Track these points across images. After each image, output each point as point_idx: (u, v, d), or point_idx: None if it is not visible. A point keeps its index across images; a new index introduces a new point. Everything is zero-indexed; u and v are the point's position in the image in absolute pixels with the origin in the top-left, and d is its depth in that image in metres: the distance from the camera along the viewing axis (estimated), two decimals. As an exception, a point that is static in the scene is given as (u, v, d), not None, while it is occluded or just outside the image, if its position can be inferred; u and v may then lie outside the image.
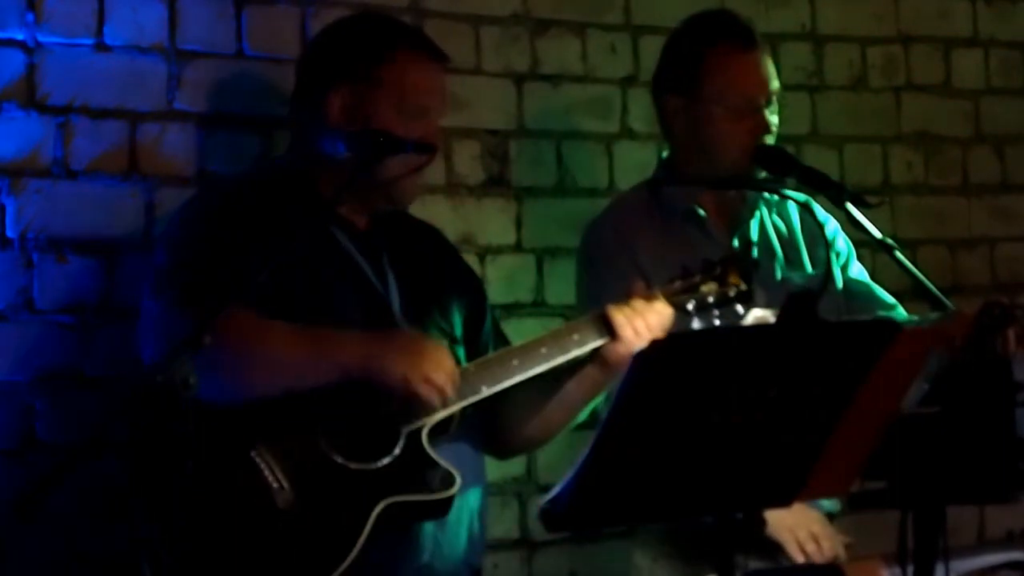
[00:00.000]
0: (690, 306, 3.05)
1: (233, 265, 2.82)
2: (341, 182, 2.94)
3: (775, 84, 3.52)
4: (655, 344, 2.41)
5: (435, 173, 3.72)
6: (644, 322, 3.00)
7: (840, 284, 3.61)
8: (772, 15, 4.27)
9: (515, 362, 2.97)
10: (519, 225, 3.91)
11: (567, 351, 2.99)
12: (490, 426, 3.12)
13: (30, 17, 3.30)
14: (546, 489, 2.55)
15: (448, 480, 2.89)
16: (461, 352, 3.10)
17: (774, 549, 3.33)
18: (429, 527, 2.95)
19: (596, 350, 3.02)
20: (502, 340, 3.22)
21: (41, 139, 3.31)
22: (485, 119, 3.89)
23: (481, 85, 3.89)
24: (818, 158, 4.19)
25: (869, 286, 3.64)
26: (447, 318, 3.12)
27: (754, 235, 3.58)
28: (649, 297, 3.03)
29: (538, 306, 3.90)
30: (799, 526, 3.28)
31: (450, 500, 2.90)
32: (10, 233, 3.27)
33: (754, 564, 3.27)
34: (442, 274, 3.19)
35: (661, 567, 3.46)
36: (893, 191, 4.44)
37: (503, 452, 3.26)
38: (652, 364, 2.37)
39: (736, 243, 3.55)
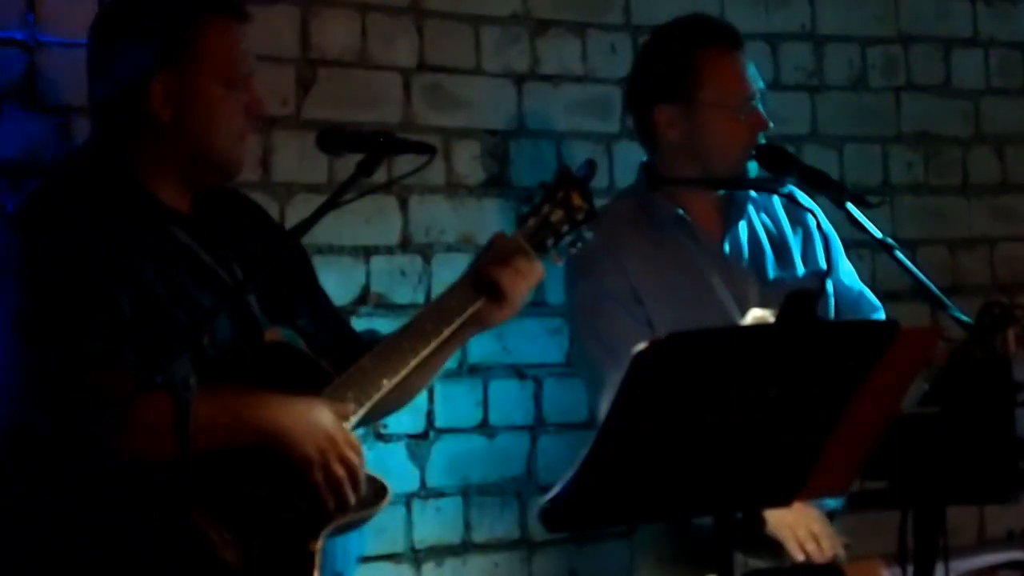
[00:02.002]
0: (549, 242, 3.04)
1: (102, 300, 2.70)
2: (169, 171, 2.87)
3: (760, 85, 3.55)
4: (655, 344, 2.41)
5: (435, 173, 3.72)
6: (526, 283, 2.99)
7: (830, 285, 3.62)
8: (772, 15, 4.28)
9: (405, 344, 2.91)
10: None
11: (451, 321, 2.95)
12: None
13: (30, 17, 3.30)
14: (546, 489, 2.54)
15: (381, 491, 2.85)
16: (312, 326, 3.01)
17: (774, 547, 3.33)
18: (339, 537, 2.88)
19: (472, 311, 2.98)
20: (339, 318, 3.15)
21: (41, 139, 3.30)
22: (485, 119, 3.89)
23: (481, 85, 3.89)
24: (818, 158, 4.19)
25: (852, 290, 3.65)
26: (300, 312, 3.03)
27: (743, 237, 3.59)
28: (520, 249, 3.00)
29: (538, 306, 3.90)
30: (799, 524, 3.28)
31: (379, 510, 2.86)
32: (10, 233, 3.26)
33: (753, 563, 3.28)
34: (276, 254, 3.03)
35: (664, 569, 3.46)
36: (893, 191, 4.44)
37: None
38: (652, 364, 2.37)
39: (727, 247, 3.55)
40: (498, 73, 3.92)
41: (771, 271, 3.56)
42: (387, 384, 2.89)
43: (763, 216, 3.63)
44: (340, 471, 2.77)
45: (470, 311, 2.98)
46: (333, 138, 3.01)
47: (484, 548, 3.83)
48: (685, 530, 3.37)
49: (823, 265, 3.60)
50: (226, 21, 2.94)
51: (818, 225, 3.59)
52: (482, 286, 2.99)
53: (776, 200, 3.64)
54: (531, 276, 3.01)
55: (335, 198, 2.87)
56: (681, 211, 3.52)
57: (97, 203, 2.83)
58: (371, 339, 3.04)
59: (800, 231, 3.64)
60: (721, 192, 3.58)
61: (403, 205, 3.76)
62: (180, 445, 2.37)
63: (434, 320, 2.95)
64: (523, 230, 3.04)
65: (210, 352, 2.82)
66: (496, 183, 3.89)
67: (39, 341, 2.69)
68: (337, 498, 2.77)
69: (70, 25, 3.33)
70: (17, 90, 3.28)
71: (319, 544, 2.77)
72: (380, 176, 3.06)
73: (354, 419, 2.85)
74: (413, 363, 2.91)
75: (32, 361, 2.69)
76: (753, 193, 3.60)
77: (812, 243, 3.63)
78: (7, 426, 2.71)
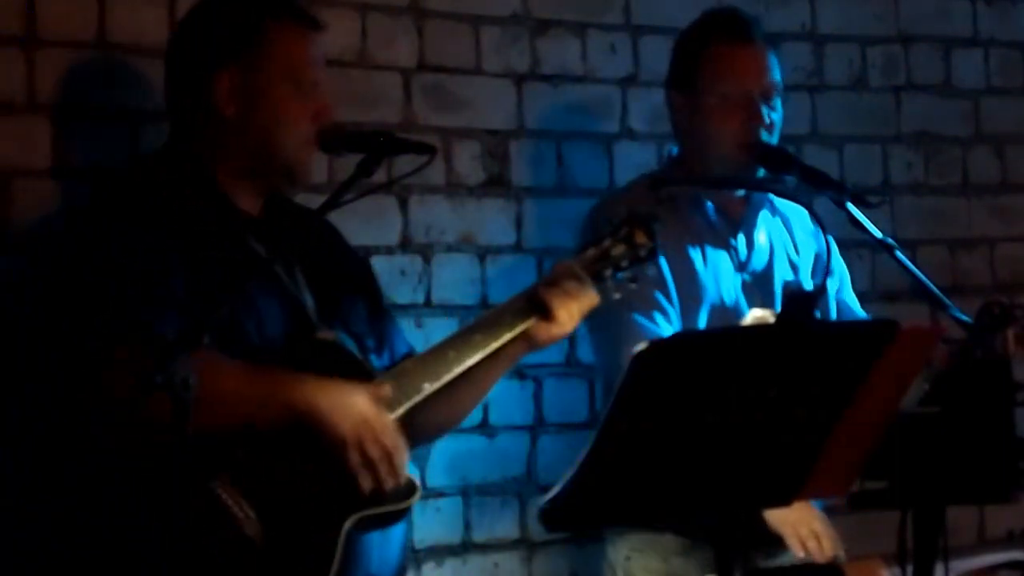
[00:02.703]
0: (607, 273, 3.06)
1: (152, 283, 2.75)
2: (239, 170, 2.93)
3: (774, 80, 3.53)
4: (655, 344, 2.41)
5: (435, 173, 3.72)
6: (577, 305, 3.01)
7: (833, 304, 3.62)
8: (772, 15, 4.27)
9: (451, 353, 2.94)
10: (519, 225, 3.91)
11: (500, 336, 2.97)
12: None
13: (30, 17, 3.30)
14: (546, 489, 2.54)
15: (411, 487, 2.87)
16: (373, 359, 3.04)
17: (774, 545, 3.34)
18: (375, 537, 2.89)
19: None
20: (400, 336, 3.18)
21: (41, 139, 3.30)
22: (485, 119, 3.89)
23: (481, 85, 3.89)
24: (818, 158, 4.19)
25: (855, 314, 3.66)
26: (357, 314, 3.07)
27: (758, 238, 3.59)
28: (573, 274, 3.03)
29: (538, 306, 3.90)
30: (801, 522, 3.28)
31: (411, 506, 2.87)
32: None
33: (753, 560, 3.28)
34: (343, 268, 3.13)
35: (634, 563, 3.47)
36: (893, 191, 4.44)
37: (411, 443, 3.13)
38: (652, 364, 2.37)
39: (742, 241, 3.55)
40: (498, 73, 3.92)
41: (779, 278, 3.57)
42: (428, 388, 2.91)
43: (779, 224, 3.64)
44: (375, 452, 2.78)
45: (520, 328, 3.00)
46: (333, 138, 3.01)
47: (484, 548, 3.82)
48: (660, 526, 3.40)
49: (829, 284, 3.61)
50: (298, 27, 3.00)
51: (828, 248, 3.62)
52: (534, 305, 3.01)
53: (793, 212, 3.64)
54: (582, 300, 3.03)
55: (335, 198, 2.87)
56: (702, 196, 3.53)
57: (163, 194, 2.90)
58: None
59: (812, 246, 3.65)
60: (740, 194, 3.59)
61: (403, 205, 3.76)
62: (179, 445, 2.38)
63: (483, 332, 2.98)
64: (580, 257, 3.07)
65: (255, 340, 2.85)
66: (496, 183, 3.89)
67: (75, 315, 2.74)
68: (372, 480, 2.78)
69: (70, 25, 3.33)
70: (17, 90, 3.28)
71: (345, 529, 2.77)
72: (380, 176, 3.07)
73: (395, 413, 2.86)
74: (456, 371, 2.93)
75: (64, 333, 2.75)
76: (771, 199, 3.61)
77: (821, 260, 3.62)
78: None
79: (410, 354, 3.13)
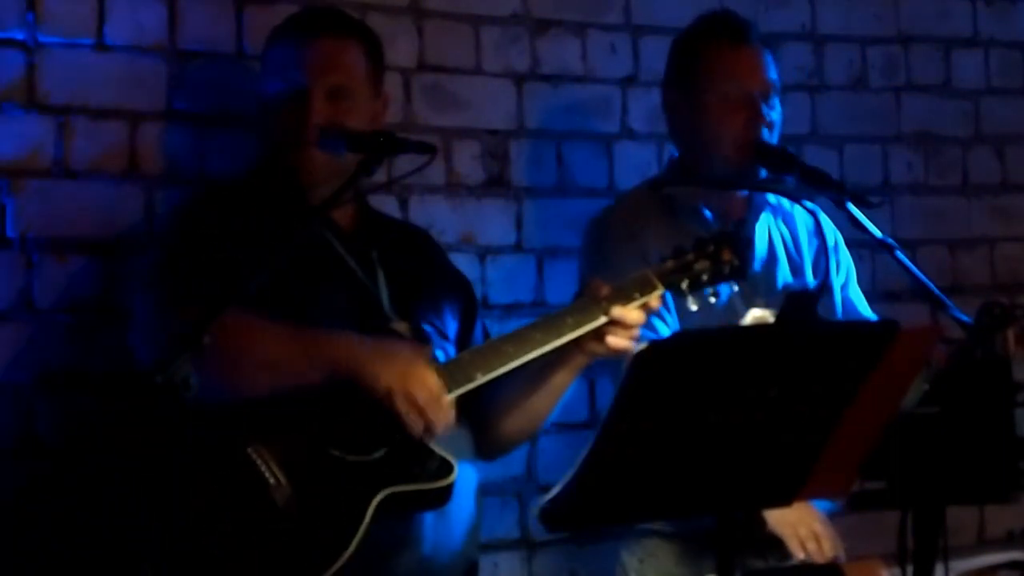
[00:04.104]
0: (684, 285, 3.04)
1: (222, 264, 2.82)
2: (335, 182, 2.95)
3: (771, 80, 3.54)
4: (655, 344, 2.41)
5: (435, 173, 3.72)
6: (639, 315, 2.99)
7: (838, 299, 3.62)
8: (772, 15, 4.28)
9: (509, 348, 2.94)
10: (519, 225, 3.91)
11: (561, 335, 2.96)
12: (478, 426, 3.10)
13: (30, 17, 3.30)
14: (546, 489, 2.54)
15: (445, 468, 2.88)
16: (452, 350, 3.09)
17: (774, 546, 3.34)
18: (429, 518, 2.93)
19: (588, 334, 2.99)
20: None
21: (41, 139, 3.30)
22: (485, 119, 3.89)
23: (481, 85, 3.89)
24: (818, 158, 4.18)
25: (860, 313, 3.66)
26: (438, 315, 3.11)
27: (760, 240, 3.59)
28: (646, 282, 3.01)
29: (538, 306, 3.90)
30: (801, 523, 3.28)
31: (449, 489, 2.88)
32: (10, 233, 3.26)
33: (752, 562, 3.28)
34: (432, 274, 3.18)
35: (648, 566, 3.47)
36: (893, 191, 4.44)
37: (491, 452, 3.22)
38: (652, 364, 2.37)
39: None
40: (498, 73, 3.92)
41: (780, 279, 3.57)
42: (480, 378, 2.90)
43: (781, 225, 3.64)
44: (422, 395, 2.81)
45: (584, 329, 2.97)
46: (333, 138, 3.01)
47: (484, 548, 3.82)
48: (674, 530, 3.39)
49: (833, 282, 3.61)
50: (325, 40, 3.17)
51: (835, 245, 3.62)
52: (597, 306, 2.98)
53: (796, 212, 3.65)
54: (651, 305, 3.02)
55: (335, 198, 2.87)
56: (700, 204, 3.53)
57: (259, 196, 3.05)
58: None
59: (815, 246, 3.65)
60: (743, 193, 3.59)
61: (403, 205, 3.76)
62: (177, 443, 2.39)
63: (543, 331, 2.96)
64: (657, 267, 3.05)
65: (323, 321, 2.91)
66: (496, 183, 3.89)
67: (152, 291, 2.90)
68: (423, 422, 2.81)
69: (70, 25, 3.34)
70: (17, 90, 3.28)
71: (375, 503, 2.79)
72: (380, 176, 3.07)
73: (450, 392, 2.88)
74: (511, 365, 2.93)
75: (142, 310, 2.92)
76: (772, 200, 3.61)
77: (824, 259, 3.63)
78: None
79: None
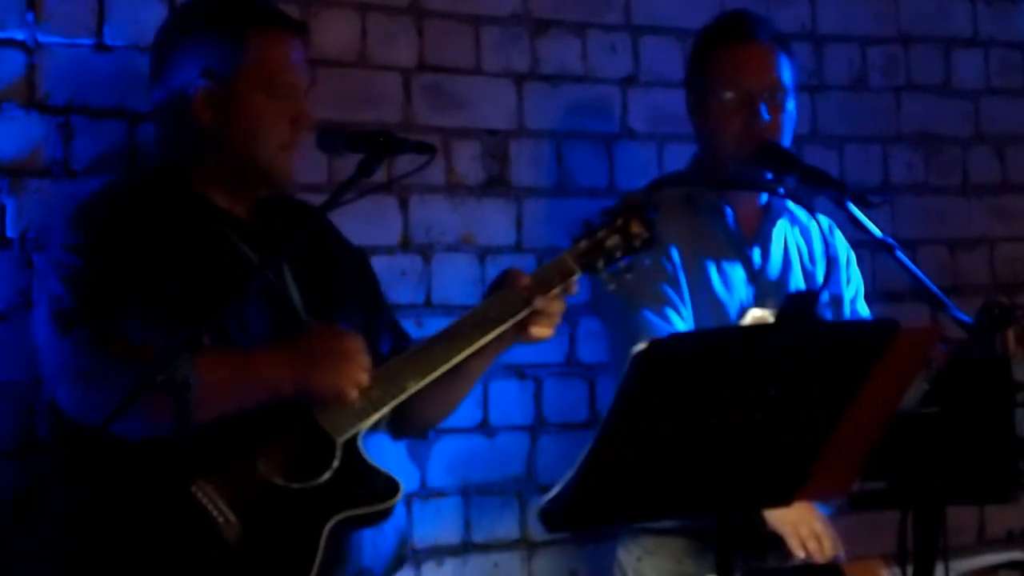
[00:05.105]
0: (600, 264, 3.02)
1: (137, 288, 2.78)
2: (220, 176, 2.94)
3: (777, 79, 3.53)
4: (655, 344, 2.41)
5: (435, 173, 3.72)
6: (561, 304, 2.99)
7: (848, 312, 3.62)
8: (772, 15, 4.26)
9: (437, 350, 2.93)
10: (519, 225, 3.91)
11: (488, 332, 2.95)
12: (397, 411, 3.03)
13: (30, 17, 3.30)
14: (546, 489, 2.54)
15: (392, 486, 2.86)
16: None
17: (774, 545, 3.34)
18: (367, 533, 2.91)
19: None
20: (397, 328, 3.20)
21: (41, 139, 3.30)
22: (485, 119, 3.89)
23: (481, 85, 3.89)
24: (818, 158, 4.19)
25: None
26: (348, 311, 3.07)
27: (776, 246, 3.59)
28: (565, 270, 3.00)
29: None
30: (802, 522, 3.28)
31: (394, 506, 2.87)
32: (10, 233, 3.26)
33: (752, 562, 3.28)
34: (334, 262, 3.13)
35: (645, 564, 3.47)
36: (893, 191, 4.44)
37: (407, 434, 3.22)
38: (652, 364, 2.37)
39: (758, 250, 3.55)
40: (498, 73, 3.92)
41: (794, 287, 3.57)
42: (412, 387, 2.90)
43: (798, 235, 3.65)
44: (363, 376, 2.83)
45: (509, 323, 2.97)
46: (333, 138, 3.01)
47: (484, 548, 3.82)
48: (671, 529, 3.39)
49: (844, 294, 3.61)
50: (275, 32, 3.01)
51: (847, 260, 3.63)
52: (521, 301, 2.98)
53: (811, 226, 3.65)
54: (570, 292, 3.01)
55: (335, 198, 2.87)
56: (723, 204, 3.54)
57: (146, 201, 2.92)
58: None
59: (826, 257, 3.65)
60: (761, 203, 3.59)
61: (403, 205, 3.76)
62: (179, 444, 2.38)
63: (470, 328, 2.96)
64: (572, 250, 3.03)
65: (241, 342, 2.86)
66: (496, 183, 3.89)
67: (73, 330, 2.77)
68: (356, 382, 2.82)
69: (70, 25, 3.34)
70: (17, 90, 3.28)
71: (327, 530, 2.78)
72: (380, 176, 3.07)
73: (374, 417, 2.87)
74: (442, 369, 2.93)
75: (64, 351, 2.79)
76: (791, 208, 3.61)
77: (836, 271, 3.62)
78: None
79: (407, 344, 3.14)
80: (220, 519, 2.73)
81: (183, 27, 3.04)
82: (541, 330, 2.99)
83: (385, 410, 2.89)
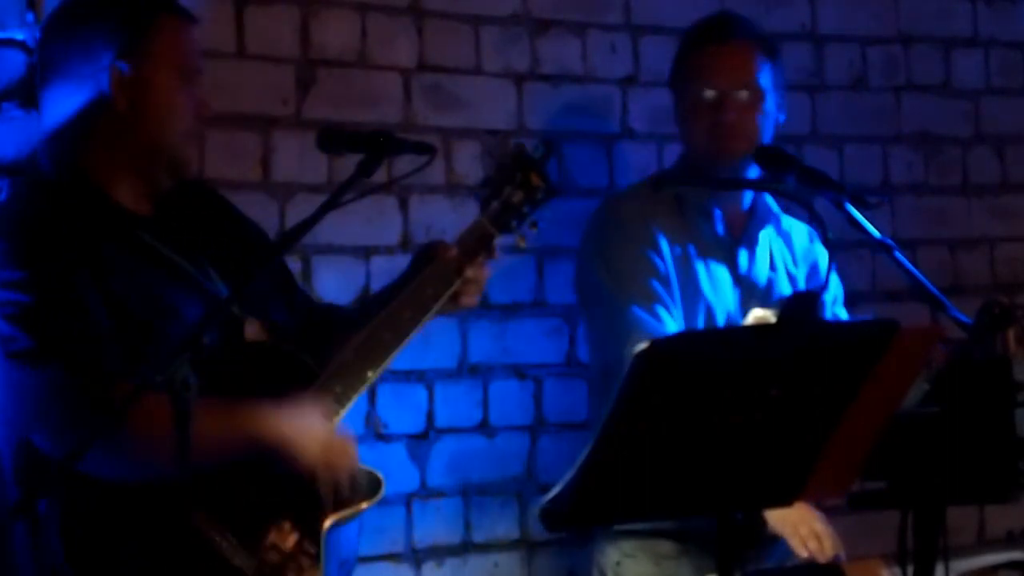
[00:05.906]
0: (513, 223, 3.07)
1: (87, 315, 2.75)
2: (123, 169, 2.91)
3: (749, 79, 3.51)
4: (656, 344, 2.41)
5: (435, 173, 3.72)
6: (487, 269, 3.05)
7: (828, 316, 3.62)
8: (772, 15, 4.28)
9: (387, 335, 2.95)
10: (519, 225, 3.91)
11: (428, 308, 2.99)
12: None
13: (30, 17, 3.30)
14: (546, 489, 2.54)
15: (376, 482, 2.89)
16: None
17: (773, 545, 3.34)
18: (343, 529, 2.91)
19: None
20: (302, 295, 3.20)
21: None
22: (485, 119, 3.89)
23: (481, 85, 3.89)
24: (818, 158, 4.19)
25: None
26: (269, 302, 3.06)
27: (762, 250, 3.59)
28: (486, 234, 3.05)
29: (538, 306, 3.90)
30: (802, 522, 3.29)
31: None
32: (10, 233, 3.26)
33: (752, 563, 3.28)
34: (243, 243, 3.09)
35: (624, 568, 3.47)
36: (893, 191, 4.44)
37: None
38: (652, 364, 2.37)
39: (744, 252, 3.55)
40: (498, 73, 3.92)
41: (777, 293, 3.57)
42: (372, 376, 2.93)
43: (781, 243, 3.64)
44: (341, 474, 2.84)
45: (445, 296, 3.01)
46: (333, 138, 3.02)
47: (484, 548, 3.83)
48: (652, 529, 3.40)
49: (826, 299, 3.62)
50: (178, 19, 2.98)
51: (828, 268, 3.63)
52: (452, 272, 3.02)
53: (794, 227, 3.66)
54: (492, 257, 3.07)
55: (335, 198, 2.86)
56: (712, 204, 3.54)
57: (57, 213, 2.84)
58: (341, 316, 3.13)
59: (809, 258, 3.66)
60: (745, 208, 3.59)
61: (403, 205, 3.76)
62: (181, 444, 2.37)
63: (410, 308, 2.98)
64: (487, 213, 3.08)
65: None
66: (496, 183, 3.89)
67: (29, 359, 2.72)
68: (337, 495, 2.83)
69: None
70: (17, 90, 3.28)
71: (321, 539, 2.80)
72: (380, 176, 3.07)
73: (342, 412, 2.90)
74: (396, 352, 2.96)
75: (39, 387, 2.73)
76: (776, 213, 3.61)
77: (817, 278, 3.63)
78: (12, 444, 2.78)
79: (324, 316, 3.15)
80: (224, 544, 2.75)
81: (85, 14, 2.96)
82: (470, 299, 3.06)
83: (350, 404, 2.91)
